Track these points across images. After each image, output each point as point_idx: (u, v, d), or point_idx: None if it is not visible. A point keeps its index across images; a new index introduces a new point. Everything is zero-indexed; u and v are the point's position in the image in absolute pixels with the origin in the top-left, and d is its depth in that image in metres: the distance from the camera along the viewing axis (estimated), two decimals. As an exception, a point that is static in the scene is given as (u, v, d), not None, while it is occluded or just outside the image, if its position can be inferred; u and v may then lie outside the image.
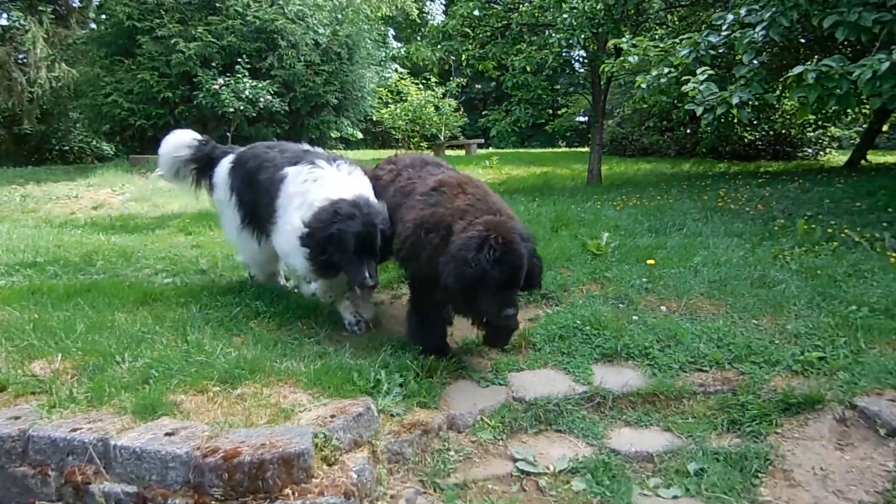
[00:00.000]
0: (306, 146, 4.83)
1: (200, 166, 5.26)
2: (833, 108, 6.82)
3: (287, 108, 17.81)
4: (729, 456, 3.35)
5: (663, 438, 3.59)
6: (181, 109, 16.98)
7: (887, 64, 5.43)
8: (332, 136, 21.60)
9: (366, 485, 2.91)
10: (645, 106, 14.87)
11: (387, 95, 26.09)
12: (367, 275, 3.89)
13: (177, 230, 8.63)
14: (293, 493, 2.72)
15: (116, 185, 13.38)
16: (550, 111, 27.52)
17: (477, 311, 3.81)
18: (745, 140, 17.00)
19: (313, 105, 18.90)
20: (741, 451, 3.37)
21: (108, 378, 3.45)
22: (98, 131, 19.69)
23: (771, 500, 3.09)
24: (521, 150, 26.91)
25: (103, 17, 18.70)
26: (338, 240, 3.87)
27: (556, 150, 26.18)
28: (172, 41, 16.61)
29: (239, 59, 16.79)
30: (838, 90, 6.10)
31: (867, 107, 7.85)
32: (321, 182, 4.19)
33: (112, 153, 21.55)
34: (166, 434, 2.91)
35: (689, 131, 17.52)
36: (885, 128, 15.62)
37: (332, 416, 3.18)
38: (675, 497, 3.14)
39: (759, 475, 3.24)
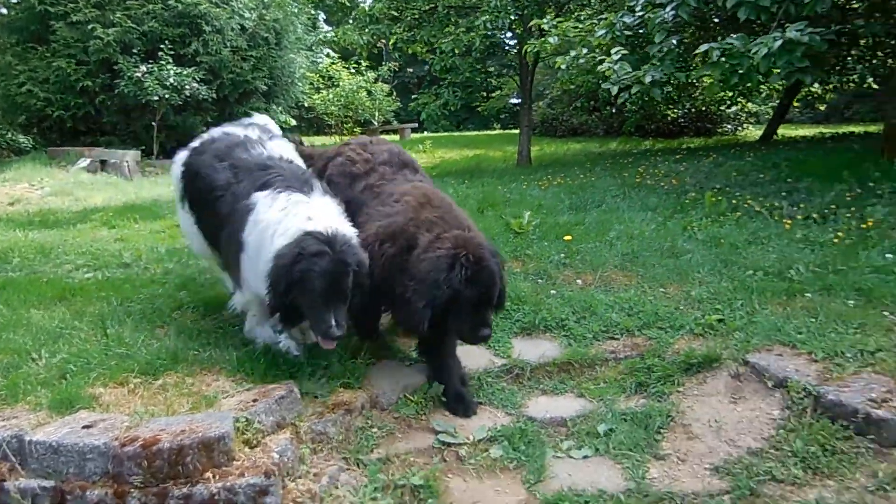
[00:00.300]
0: (262, 147, 4.05)
1: None
2: (738, 84, 7.18)
3: (214, 95, 17.35)
4: (635, 416, 3.57)
5: (577, 404, 3.80)
6: (102, 99, 16.33)
7: (780, 41, 5.77)
8: (264, 123, 21.15)
9: (287, 464, 2.98)
10: (572, 87, 15.21)
11: (318, 81, 25.69)
12: (332, 323, 3.24)
13: (100, 224, 8.38)
14: (214, 476, 2.77)
15: (35, 180, 12.81)
16: (484, 94, 27.70)
17: (448, 332, 3.59)
18: (669, 118, 17.62)
19: (242, 92, 18.46)
20: (646, 411, 3.60)
21: (22, 375, 3.41)
22: (13, 123, 18.69)
23: (671, 453, 3.33)
24: (456, 133, 27.06)
25: (13, 1, 17.74)
26: (301, 282, 3.27)
27: (490, 132, 26.46)
28: (89, 27, 15.91)
29: (162, 46, 16.23)
30: (741, 68, 6.44)
31: (772, 83, 8.30)
32: (300, 209, 3.51)
33: (29, 146, 20.54)
34: (84, 427, 2.91)
35: (614, 111, 18.01)
36: (795, 103, 16.44)
37: (255, 400, 3.24)
38: (585, 457, 3.35)
39: (662, 431, 3.48)
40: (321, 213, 3.48)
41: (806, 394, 3.36)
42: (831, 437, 3.12)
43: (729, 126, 18.09)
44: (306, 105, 24.22)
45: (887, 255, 4.81)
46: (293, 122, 24.13)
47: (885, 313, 4.00)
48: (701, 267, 4.95)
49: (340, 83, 24.19)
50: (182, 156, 4.35)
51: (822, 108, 18.62)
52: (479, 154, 15.60)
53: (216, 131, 4.39)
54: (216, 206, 3.85)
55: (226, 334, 4.14)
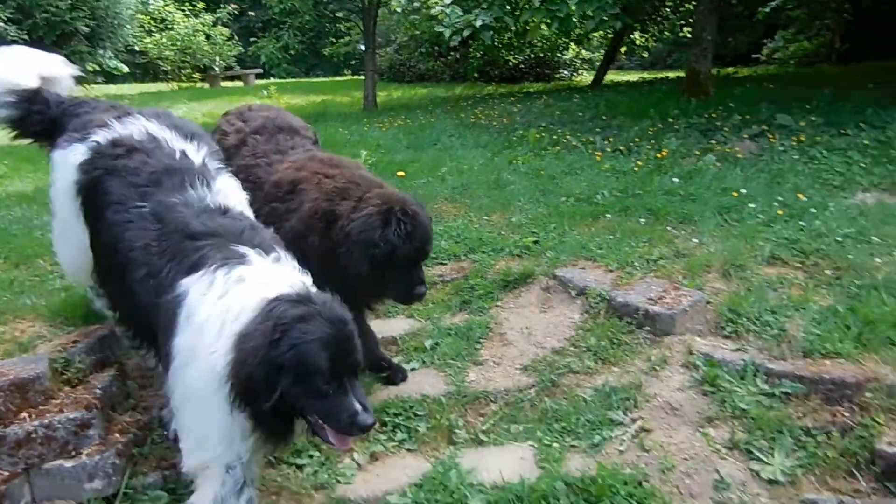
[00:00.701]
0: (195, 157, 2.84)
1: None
2: (560, 29, 7.66)
3: (27, 36, 15.62)
4: (458, 330, 3.90)
5: (406, 324, 4.07)
6: None
7: (591, -12, 6.25)
8: (90, 69, 19.37)
9: (113, 398, 3.00)
10: (417, 32, 15.32)
11: (150, 23, 23.75)
12: (357, 408, 2.21)
13: None
14: (30, 416, 2.73)
15: None
16: (333, 39, 27.03)
17: (381, 294, 3.36)
18: (510, 64, 18.29)
19: (59, 34, 16.76)
20: (468, 325, 3.94)
21: None
22: None
23: (488, 359, 3.69)
24: (304, 79, 26.30)
25: None
26: (293, 365, 2.15)
27: (339, 78, 25.99)
28: None
29: (-47, -21, 14.31)
30: (560, 13, 6.88)
31: (587, 28, 8.91)
32: (248, 280, 2.35)
33: None
34: None
35: (459, 56, 18.38)
36: (623, 50, 17.66)
37: (75, 342, 3.19)
38: (413, 369, 3.63)
39: (481, 341, 3.83)
40: (278, 275, 2.40)
41: (601, 299, 3.84)
42: (618, 332, 3.61)
43: (566, 72, 19.14)
44: (138, 49, 22.40)
45: (674, 180, 5.50)
46: (125, 69, 22.27)
47: (669, 228, 4.61)
48: (522, 196, 5.38)
49: (175, 26, 22.53)
50: (79, 153, 2.83)
51: (646, 55, 20.14)
52: (326, 100, 15.36)
53: (134, 124, 2.91)
54: (124, 275, 2.60)
55: (43, 282, 3.96)
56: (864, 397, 2.82)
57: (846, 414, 2.82)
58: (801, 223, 4.39)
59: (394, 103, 14.06)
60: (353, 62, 30.87)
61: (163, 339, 2.46)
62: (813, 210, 4.58)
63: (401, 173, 5.80)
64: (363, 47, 28.04)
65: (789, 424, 2.84)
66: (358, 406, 2.20)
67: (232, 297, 2.30)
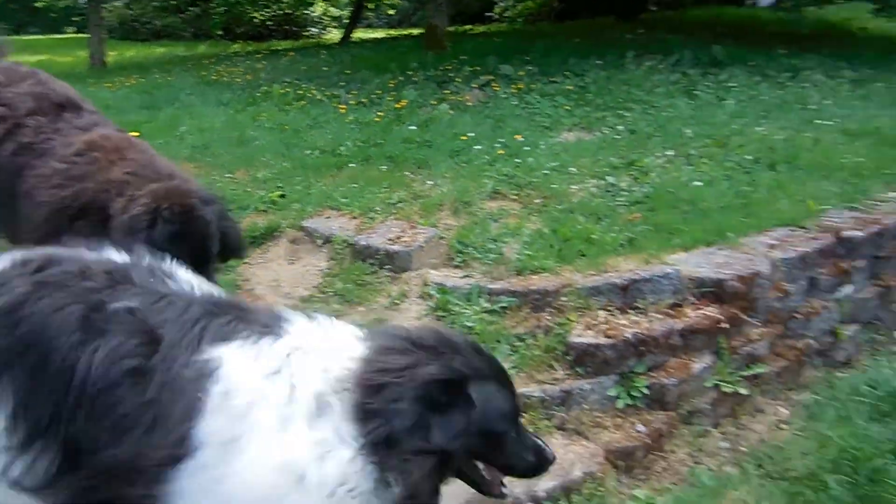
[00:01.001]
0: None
1: None
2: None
3: None
4: (203, 291, 3.82)
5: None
6: None
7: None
8: None
9: None
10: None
11: None
12: (539, 442, 1.84)
13: None
14: None
15: None
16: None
17: None
18: (257, 20, 17.60)
19: None
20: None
21: None
22: None
23: (234, 315, 3.68)
24: (14, 37, 22.67)
25: None
26: (481, 415, 1.64)
27: (60, 36, 22.86)
28: None
29: None
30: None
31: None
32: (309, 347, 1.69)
33: None
34: None
35: (200, 12, 17.21)
36: (371, 5, 17.88)
37: None
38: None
39: (230, 299, 3.80)
40: (339, 332, 1.77)
41: (346, 245, 4.00)
42: (362, 273, 3.81)
43: (315, 29, 18.95)
44: None
45: (411, 128, 5.85)
46: None
47: (407, 173, 4.92)
48: (267, 152, 5.34)
49: None
50: None
51: (392, 13, 20.63)
52: (43, 60, 13.42)
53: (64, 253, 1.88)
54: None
55: None
56: (560, 301, 3.35)
57: (548, 318, 3.33)
58: (517, 161, 4.96)
59: (126, 63, 12.85)
60: (76, 18, 27.25)
61: (176, 424, 1.60)
62: (527, 148, 5.19)
63: (135, 134, 5.38)
64: (84, 1, 24.81)
65: (505, 334, 3.27)
66: (537, 440, 1.84)
67: (299, 371, 1.64)
